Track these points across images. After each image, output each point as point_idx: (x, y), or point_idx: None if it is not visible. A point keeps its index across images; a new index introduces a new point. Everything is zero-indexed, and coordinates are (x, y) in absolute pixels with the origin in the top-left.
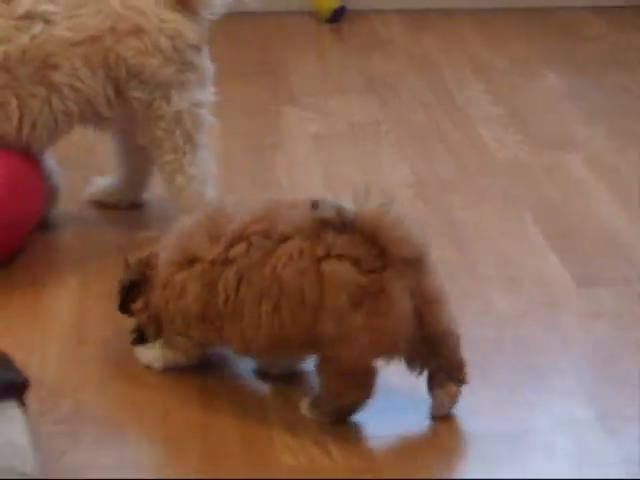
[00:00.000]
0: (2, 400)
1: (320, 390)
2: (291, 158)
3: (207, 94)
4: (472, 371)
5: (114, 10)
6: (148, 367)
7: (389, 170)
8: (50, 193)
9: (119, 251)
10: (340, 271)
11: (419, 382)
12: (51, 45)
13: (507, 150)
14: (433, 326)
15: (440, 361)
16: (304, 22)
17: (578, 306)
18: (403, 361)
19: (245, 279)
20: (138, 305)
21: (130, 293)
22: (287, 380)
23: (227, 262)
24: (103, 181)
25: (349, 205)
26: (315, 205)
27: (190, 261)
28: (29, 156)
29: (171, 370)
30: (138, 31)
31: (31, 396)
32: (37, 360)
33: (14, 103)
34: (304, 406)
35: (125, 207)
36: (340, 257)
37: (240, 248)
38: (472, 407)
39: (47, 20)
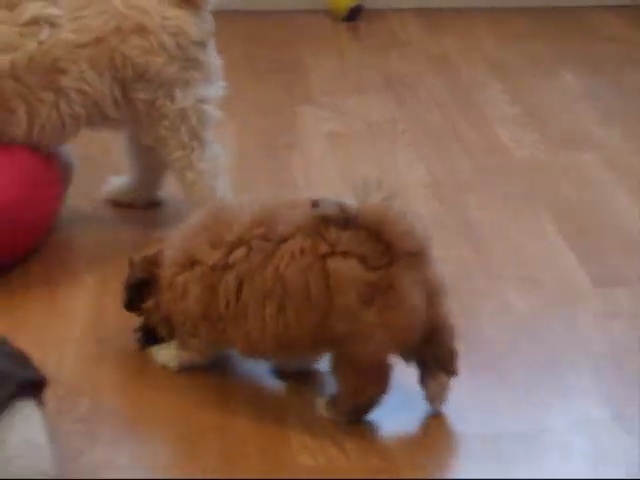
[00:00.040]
0: (20, 399)
1: (336, 389)
2: (307, 157)
3: (213, 90)
4: (488, 370)
5: (117, 10)
6: (164, 367)
7: (406, 170)
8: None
9: (135, 250)
10: (347, 269)
11: None
12: (58, 49)
13: (524, 150)
14: (435, 317)
15: (435, 351)
16: (320, 21)
17: (595, 306)
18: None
19: (246, 283)
20: (149, 305)
21: (139, 291)
22: (304, 380)
23: (227, 267)
24: (119, 180)
25: (351, 201)
26: (315, 204)
27: (191, 263)
28: (45, 156)
29: (188, 370)
30: (142, 30)
31: (48, 395)
32: (54, 359)
33: (23, 109)
34: (321, 406)
35: (140, 206)
36: (345, 254)
37: (240, 253)
38: (488, 406)
39: (52, 24)
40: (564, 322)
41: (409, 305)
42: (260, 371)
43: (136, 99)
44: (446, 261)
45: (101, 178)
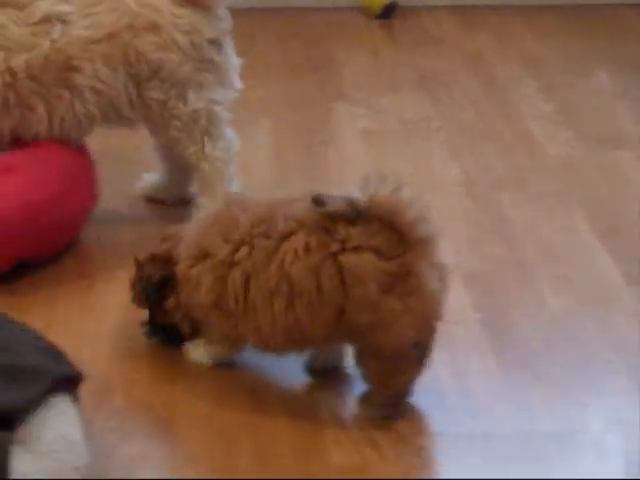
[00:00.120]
0: (55, 394)
1: (368, 382)
2: (341, 154)
3: (227, 92)
4: (522, 368)
5: (129, 8)
6: (197, 364)
7: (440, 168)
8: None
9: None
10: (362, 262)
11: (469, 382)
12: (71, 47)
13: (558, 148)
14: None
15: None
16: (354, 18)
17: (628, 304)
18: None
19: (252, 279)
20: (171, 304)
21: (158, 290)
22: (337, 377)
23: (233, 264)
24: (151, 177)
25: (356, 195)
26: (317, 200)
27: (204, 255)
28: (82, 152)
29: (221, 367)
30: (154, 27)
31: (83, 390)
32: (88, 354)
33: (42, 107)
34: (355, 404)
35: (173, 202)
36: (357, 249)
37: (243, 251)
38: (522, 404)
39: (64, 21)
40: (598, 321)
41: (429, 289)
42: (293, 369)
43: (150, 99)
44: (480, 259)
45: (135, 175)
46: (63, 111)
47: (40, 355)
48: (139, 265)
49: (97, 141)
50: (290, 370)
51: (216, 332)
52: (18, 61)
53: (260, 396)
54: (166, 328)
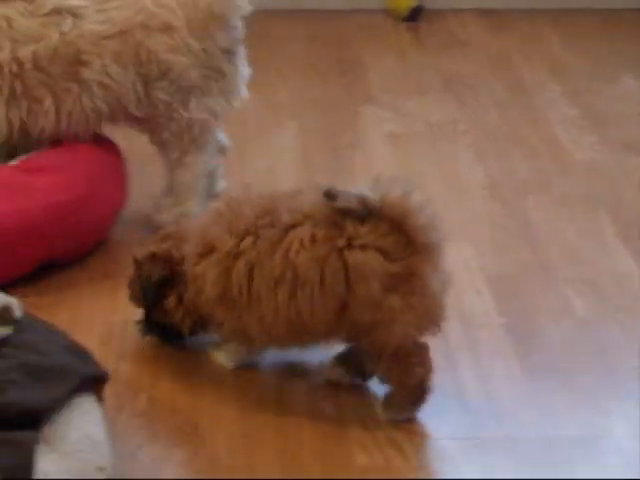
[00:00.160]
0: (80, 394)
1: (385, 383)
2: (368, 157)
3: (228, 104)
4: (548, 373)
5: (145, 7)
6: (222, 366)
7: (466, 171)
8: None
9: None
10: (367, 262)
11: (493, 386)
12: (81, 41)
13: (584, 152)
14: None
15: None
16: (381, 21)
17: None
18: None
19: (256, 268)
20: (172, 303)
21: (158, 289)
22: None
23: (238, 255)
24: None
25: (370, 193)
26: (329, 194)
27: (209, 250)
28: (113, 152)
29: (245, 369)
30: (168, 28)
31: (107, 391)
32: (113, 354)
33: (49, 99)
34: (379, 410)
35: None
36: (364, 247)
37: (248, 241)
38: (546, 409)
39: (75, 14)
40: (623, 326)
41: (431, 291)
42: (316, 371)
43: (157, 99)
44: (504, 262)
45: (159, 175)
46: (71, 105)
47: (66, 355)
48: (138, 264)
49: (122, 140)
50: (314, 372)
51: (224, 329)
52: (25, 52)
53: (283, 398)
54: (161, 326)
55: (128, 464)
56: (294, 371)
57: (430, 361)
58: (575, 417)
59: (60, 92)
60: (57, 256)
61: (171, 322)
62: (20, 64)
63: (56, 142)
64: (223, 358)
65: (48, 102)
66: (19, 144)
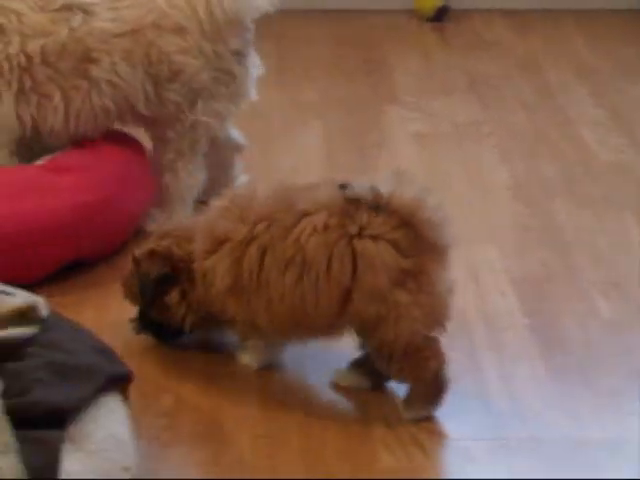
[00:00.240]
0: (105, 393)
1: (401, 381)
2: (394, 157)
3: (234, 108)
4: (573, 374)
5: (159, 7)
6: (246, 366)
7: (491, 171)
8: None
9: None
10: (378, 252)
11: (518, 387)
12: (91, 38)
13: (609, 153)
14: None
15: None
16: (406, 21)
17: None
18: None
19: (269, 252)
20: (173, 299)
21: (158, 286)
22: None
23: (251, 240)
24: None
25: (383, 188)
26: (343, 184)
27: (220, 243)
28: (140, 152)
29: (269, 369)
30: (181, 30)
31: (132, 390)
32: (138, 354)
33: (58, 95)
34: (401, 411)
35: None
36: (375, 237)
37: (262, 226)
38: (570, 411)
39: (86, 11)
40: None
41: (439, 289)
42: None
43: (168, 100)
44: (529, 263)
45: None
46: (79, 102)
47: (92, 354)
48: (136, 261)
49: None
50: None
51: (237, 325)
52: (34, 46)
53: (307, 397)
54: (156, 324)
55: (153, 464)
56: (318, 372)
57: (442, 353)
58: (600, 418)
59: (69, 89)
60: (83, 256)
61: (169, 319)
62: (29, 58)
63: (79, 142)
64: (248, 359)
65: (57, 99)
66: (34, 145)
